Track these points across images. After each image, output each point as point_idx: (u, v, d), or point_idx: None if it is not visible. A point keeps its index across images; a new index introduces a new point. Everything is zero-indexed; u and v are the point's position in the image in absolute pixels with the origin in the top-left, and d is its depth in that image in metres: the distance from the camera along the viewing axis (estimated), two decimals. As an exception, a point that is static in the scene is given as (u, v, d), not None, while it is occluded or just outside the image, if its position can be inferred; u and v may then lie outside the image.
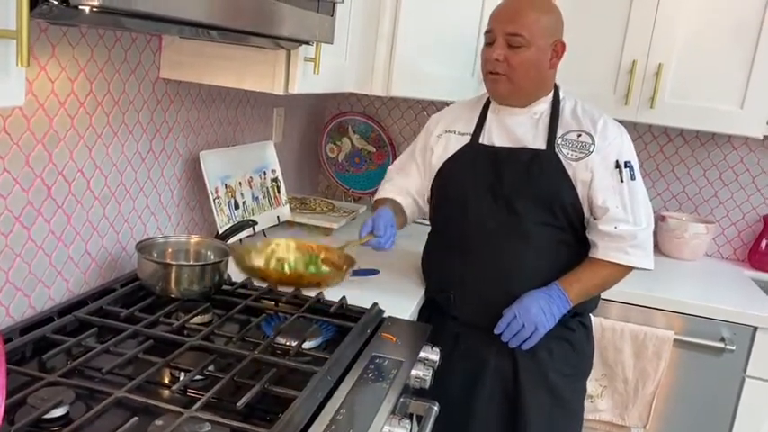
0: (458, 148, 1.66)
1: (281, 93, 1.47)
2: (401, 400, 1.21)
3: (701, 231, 2.38)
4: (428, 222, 1.79)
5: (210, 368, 1.14)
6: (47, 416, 0.94)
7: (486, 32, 1.58)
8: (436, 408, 1.33)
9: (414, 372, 1.28)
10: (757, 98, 2.06)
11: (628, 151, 1.57)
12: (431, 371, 1.32)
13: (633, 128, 2.42)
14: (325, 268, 1.67)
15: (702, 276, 2.29)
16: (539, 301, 1.54)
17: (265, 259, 1.68)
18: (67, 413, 0.97)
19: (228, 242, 1.62)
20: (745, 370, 1.97)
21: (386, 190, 1.82)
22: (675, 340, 1.95)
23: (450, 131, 1.69)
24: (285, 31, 1.22)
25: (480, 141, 1.64)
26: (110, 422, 0.94)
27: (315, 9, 1.31)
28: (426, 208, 1.80)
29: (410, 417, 1.28)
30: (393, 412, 1.10)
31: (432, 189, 1.73)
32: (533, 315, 1.53)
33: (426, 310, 1.75)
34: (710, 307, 1.96)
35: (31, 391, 0.98)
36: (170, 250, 1.49)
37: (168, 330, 1.26)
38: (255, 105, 2.10)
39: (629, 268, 1.58)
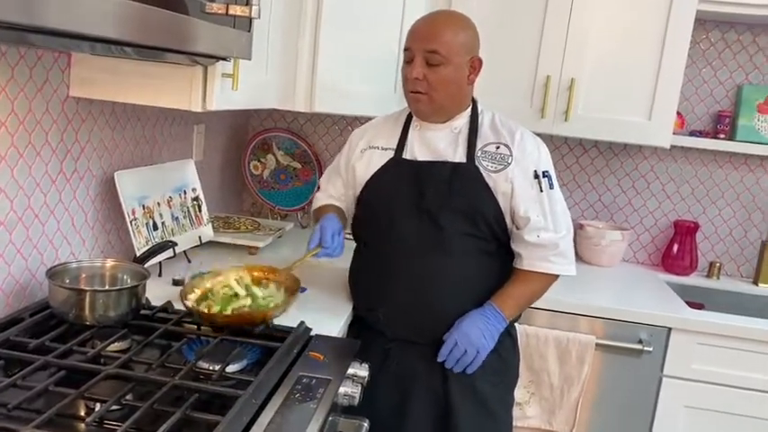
0: (381, 163, 1.66)
1: (199, 110, 1.44)
2: (330, 418, 1.19)
3: (617, 238, 2.47)
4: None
5: (128, 397, 1.09)
6: (-55, 458, 0.88)
7: (405, 50, 1.59)
8: (366, 425, 1.32)
9: (342, 389, 1.27)
10: (663, 110, 2.17)
11: (545, 161, 1.62)
12: (359, 387, 1.31)
13: (550, 140, 2.49)
14: (269, 293, 1.55)
15: (620, 281, 2.38)
16: (477, 324, 1.56)
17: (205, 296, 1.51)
18: (-31, 454, 0.90)
19: (146, 264, 1.56)
20: (662, 370, 2.05)
21: (322, 198, 1.83)
22: (597, 344, 2.02)
23: (373, 147, 1.70)
24: (200, 47, 1.19)
25: (403, 156, 1.65)
26: (17, 461, 0.89)
27: (231, 24, 1.28)
28: (350, 216, 1.80)
29: (340, 435, 1.26)
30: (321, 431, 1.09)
31: (357, 204, 1.73)
32: (474, 340, 1.55)
33: (355, 327, 1.74)
34: (628, 311, 2.04)
35: (-72, 433, 0.91)
36: (84, 275, 1.42)
37: (82, 360, 1.20)
38: (174, 123, 2.05)
39: (556, 276, 1.63)
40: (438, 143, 1.63)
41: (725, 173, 2.54)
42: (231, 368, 1.24)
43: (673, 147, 2.41)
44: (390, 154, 1.66)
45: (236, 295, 1.49)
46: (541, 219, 1.57)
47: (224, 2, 1.18)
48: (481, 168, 1.57)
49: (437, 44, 1.53)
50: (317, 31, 2.00)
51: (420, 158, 1.63)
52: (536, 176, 1.58)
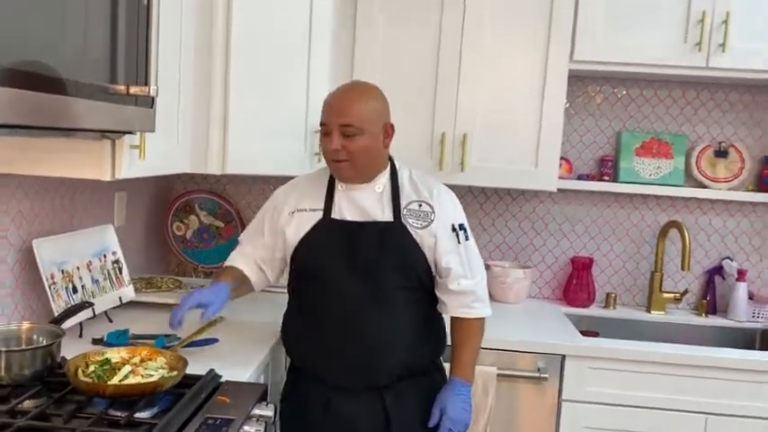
0: (311, 224, 1.75)
1: (108, 179, 1.55)
2: (234, 455, 1.30)
3: (519, 276, 2.67)
4: (277, 290, 1.90)
5: (37, 448, 1.18)
6: None
7: (322, 124, 1.71)
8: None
9: (245, 427, 1.37)
10: (547, 158, 2.42)
11: (460, 215, 1.80)
12: (264, 425, 1.42)
13: (455, 189, 2.69)
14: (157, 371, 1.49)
15: (524, 316, 2.57)
16: (458, 405, 1.73)
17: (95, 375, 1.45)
18: None
19: (65, 325, 1.65)
20: (560, 395, 2.22)
21: (234, 258, 1.89)
22: (499, 375, 2.18)
23: (301, 210, 1.78)
24: (104, 125, 1.32)
25: (332, 216, 1.75)
26: None
27: (133, 103, 1.42)
28: (273, 276, 1.89)
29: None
30: (221, 467, 1.19)
31: (290, 265, 1.81)
32: (464, 419, 1.74)
33: (293, 375, 1.84)
34: (526, 341, 2.22)
35: None
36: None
37: (-4, 416, 1.28)
38: (94, 191, 2.15)
39: (482, 320, 1.81)
40: (364, 202, 1.74)
41: (613, 211, 2.80)
42: (142, 414, 1.34)
43: (564, 190, 2.66)
44: (319, 215, 1.75)
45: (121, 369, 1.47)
46: (460, 267, 1.74)
47: (125, 83, 1.33)
48: (408, 226, 1.72)
49: (350, 118, 1.66)
50: (227, 97, 2.12)
51: (349, 218, 1.74)
52: (453, 230, 1.75)
